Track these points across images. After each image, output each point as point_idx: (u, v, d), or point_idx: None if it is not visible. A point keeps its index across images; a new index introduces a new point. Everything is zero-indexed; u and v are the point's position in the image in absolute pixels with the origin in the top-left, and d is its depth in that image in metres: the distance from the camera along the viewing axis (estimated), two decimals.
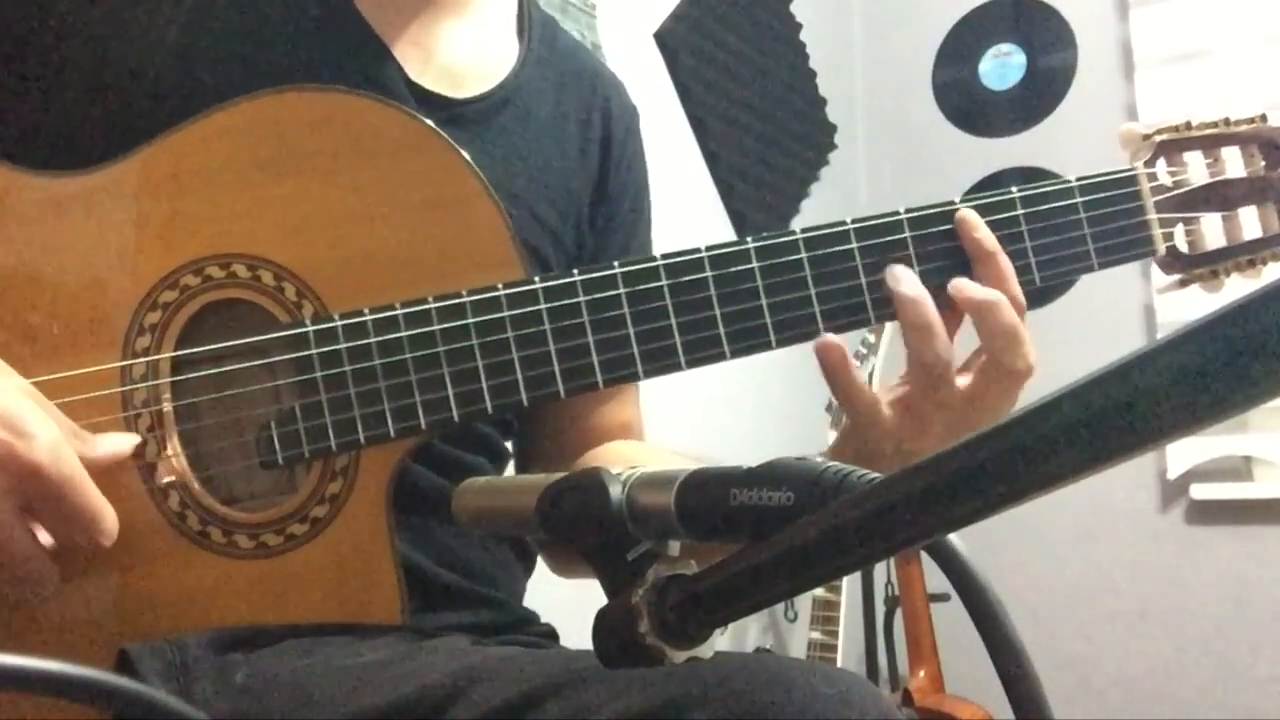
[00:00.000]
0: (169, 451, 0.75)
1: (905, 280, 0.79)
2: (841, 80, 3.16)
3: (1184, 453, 2.71)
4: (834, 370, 0.79)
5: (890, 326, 2.01)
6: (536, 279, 0.78)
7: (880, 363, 2.35)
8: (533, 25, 1.00)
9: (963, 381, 0.79)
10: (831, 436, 2.29)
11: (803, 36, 2.94)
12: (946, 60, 3.23)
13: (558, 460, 0.99)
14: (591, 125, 1.01)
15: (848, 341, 0.80)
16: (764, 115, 2.77)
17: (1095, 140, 2.91)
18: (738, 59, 2.68)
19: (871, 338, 2.29)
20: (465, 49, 0.94)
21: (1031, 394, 0.29)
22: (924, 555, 0.49)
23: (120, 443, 0.73)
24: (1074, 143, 2.99)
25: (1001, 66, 3.16)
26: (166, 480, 0.75)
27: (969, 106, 3.19)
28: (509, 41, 0.98)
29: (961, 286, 0.79)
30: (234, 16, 0.84)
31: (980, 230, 0.81)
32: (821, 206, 2.97)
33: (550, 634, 0.94)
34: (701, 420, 2.29)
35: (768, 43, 2.81)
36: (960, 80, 3.21)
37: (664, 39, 2.48)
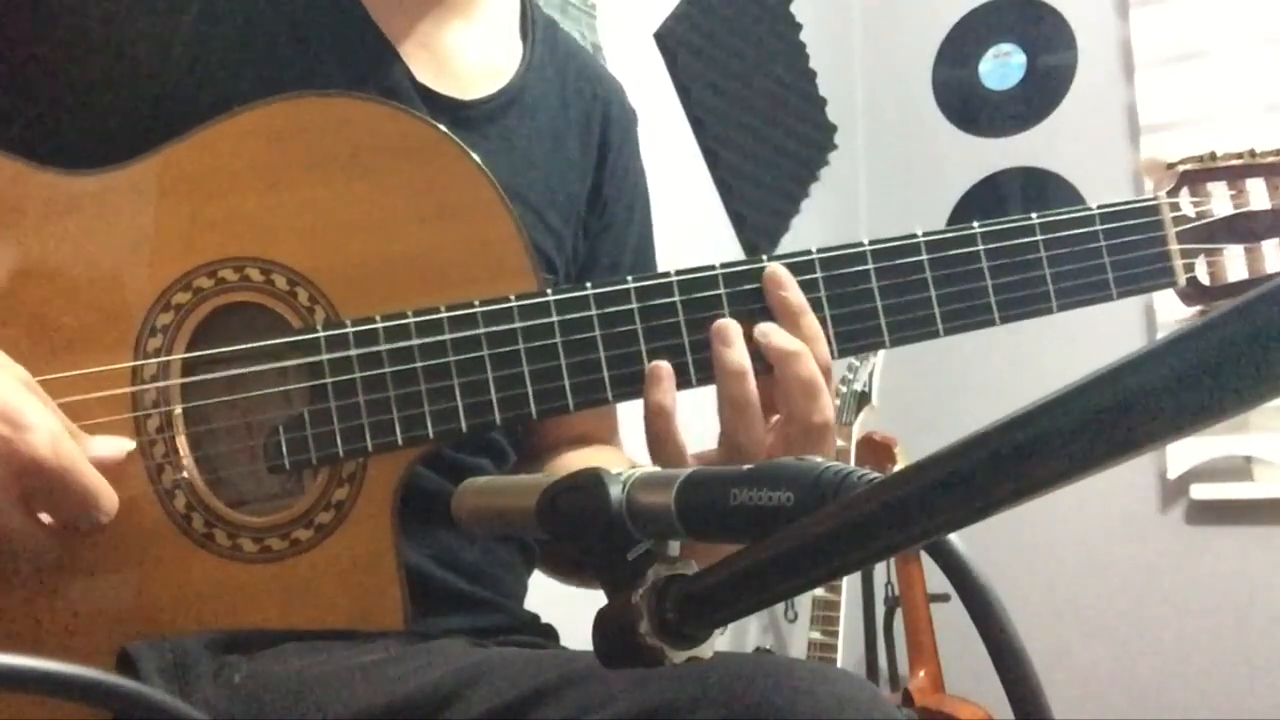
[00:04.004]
0: (177, 453, 0.75)
1: (734, 348, 0.76)
2: (841, 80, 3.15)
3: (1184, 453, 2.71)
4: (656, 386, 0.77)
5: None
6: (549, 291, 0.78)
7: (880, 363, 2.35)
8: (535, 28, 1.00)
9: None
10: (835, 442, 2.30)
11: (803, 36, 2.94)
12: (946, 60, 3.23)
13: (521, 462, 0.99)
14: (591, 129, 1.01)
15: None
16: (764, 115, 2.77)
17: (1095, 140, 2.93)
18: (738, 59, 2.68)
19: None
20: (471, 51, 0.94)
21: (1032, 394, 0.29)
22: (924, 555, 0.49)
23: (115, 445, 0.72)
24: (1074, 143, 2.99)
25: (1001, 66, 3.16)
26: (174, 481, 0.75)
27: (969, 106, 3.19)
28: (513, 44, 0.98)
29: (768, 332, 0.77)
30: (243, 18, 0.84)
31: (788, 289, 0.78)
32: (821, 206, 2.97)
33: (550, 634, 0.94)
34: (704, 422, 2.29)
35: (768, 43, 2.81)
36: (960, 80, 3.21)
37: (664, 39, 2.48)
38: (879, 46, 3.30)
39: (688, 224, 2.36)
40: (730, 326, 0.77)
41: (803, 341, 0.77)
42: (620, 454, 1.02)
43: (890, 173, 3.23)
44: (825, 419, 0.75)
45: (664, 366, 0.77)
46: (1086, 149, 2.95)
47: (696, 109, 2.54)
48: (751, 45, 2.74)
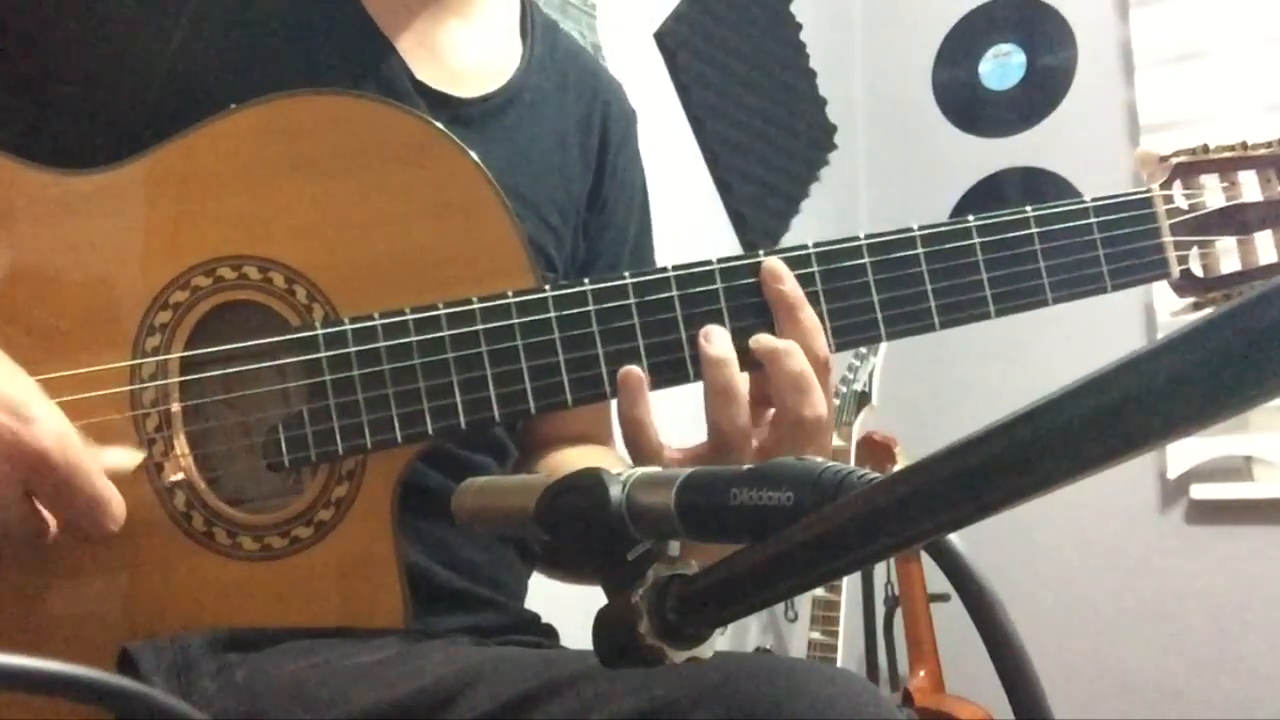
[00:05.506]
0: (176, 451, 0.75)
1: (716, 340, 0.76)
2: (841, 80, 3.15)
3: (1184, 453, 2.70)
4: (630, 397, 0.77)
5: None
6: (547, 287, 0.78)
7: (880, 362, 2.34)
8: (535, 27, 1.00)
9: (755, 441, 0.76)
10: (832, 438, 2.30)
11: (803, 36, 2.94)
12: (946, 60, 3.23)
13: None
14: (591, 129, 1.01)
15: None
16: (764, 115, 2.77)
17: (1095, 140, 2.93)
18: (738, 59, 2.68)
19: None
20: (470, 49, 0.94)
21: (1031, 394, 0.29)
22: (924, 555, 0.49)
23: (125, 456, 0.72)
24: (1074, 143, 2.99)
25: (1001, 66, 3.16)
26: (173, 480, 0.75)
27: (969, 106, 3.19)
28: (512, 43, 0.98)
29: (759, 338, 0.77)
30: (240, 14, 0.84)
31: (785, 282, 0.79)
32: (821, 206, 2.97)
33: (550, 634, 0.94)
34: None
35: (768, 43, 2.81)
36: (960, 80, 3.21)
37: (664, 39, 2.48)
38: (879, 46, 3.30)
39: (688, 224, 2.36)
40: (714, 327, 0.78)
41: (802, 334, 0.77)
42: (613, 454, 1.02)
43: (890, 173, 3.23)
44: (817, 414, 0.75)
45: (633, 374, 0.76)
46: (1086, 149, 2.95)
47: (696, 109, 2.54)
48: (751, 45, 2.74)
